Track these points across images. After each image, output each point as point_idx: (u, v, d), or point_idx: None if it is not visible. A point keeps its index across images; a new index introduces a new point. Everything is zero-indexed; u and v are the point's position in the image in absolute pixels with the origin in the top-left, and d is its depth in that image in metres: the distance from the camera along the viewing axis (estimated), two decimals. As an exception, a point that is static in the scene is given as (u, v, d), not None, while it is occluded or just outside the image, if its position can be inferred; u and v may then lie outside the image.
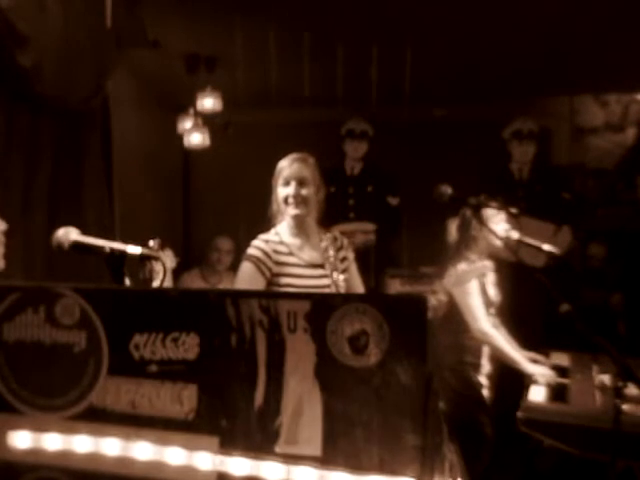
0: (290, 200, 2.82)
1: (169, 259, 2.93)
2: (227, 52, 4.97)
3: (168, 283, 2.83)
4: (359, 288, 3.01)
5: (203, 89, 5.31)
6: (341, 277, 2.89)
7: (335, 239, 2.96)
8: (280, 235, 2.87)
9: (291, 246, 2.86)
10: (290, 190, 2.82)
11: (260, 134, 6.09)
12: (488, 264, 3.58)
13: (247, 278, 2.81)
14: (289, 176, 2.83)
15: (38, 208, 3.52)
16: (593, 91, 6.11)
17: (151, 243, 2.64)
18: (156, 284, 2.63)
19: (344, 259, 2.94)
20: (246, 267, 2.82)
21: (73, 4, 3.52)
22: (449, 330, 3.53)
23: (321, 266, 2.87)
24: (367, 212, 5.03)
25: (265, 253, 2.81)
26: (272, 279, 2.81)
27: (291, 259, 2.84)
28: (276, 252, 2.82)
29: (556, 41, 4.54)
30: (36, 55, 3.23)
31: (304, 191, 2.82)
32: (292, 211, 2.84)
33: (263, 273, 2.79)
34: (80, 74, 3.62)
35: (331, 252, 2.90)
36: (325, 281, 2.85)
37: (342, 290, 2.86)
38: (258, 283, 2.78)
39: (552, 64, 4.91)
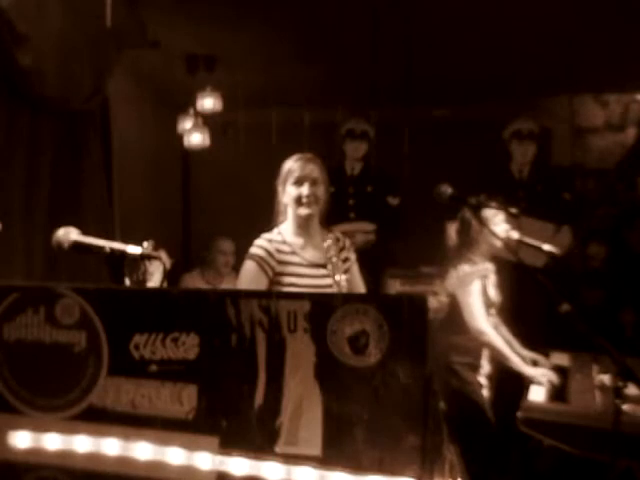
0: (304, 200, 2.81)
1: (163, 260, 2.91)
2: (227, 52, 4.97)
3: (163, 285, 2.82)
4: (361, 289, 3.01)
5: (203, 89, 5.31)
6: (343, 277, 2.89)
7: (338, 240, 2.96)
8: (283, 234, 2.88)
9: (294, 245, 2.86)
10: (305, 190, 2.81)
11: (260, 134, 6.09)
12: (489, 266, 3.58)
13: (250, 277, 2.81)
14: (303, 176, 2.82)
15: (38, 208, 3.52)
16: (593, 91, 6.11)
17: (145, 244, 2.64)
18: (150, 285, 2.62)
19: (346, 260, 2.95)
20: (249, 266, 2.82)
21: (73, 4, 3.52)
22: (449, 331, 3.53)
23: (323, 266, 2.87)
24: (367, 212, 5.03)
25: (268, 252, 2.81)
26: (275, 278, 2.81)
27: (294, 258, 2.84)
28: (279, 251, 2.82)
29: (556, 41, 4.54)
30: (36, 55, 3.23)
31: (317, 191, 2.83)
32: (304, 211, 2.83)
33: (266, 272, 2.80)
34: (80, 74, 3.62)
35: (334, 252, 2.90)
36: (327, 281, 2.85)
37: (344, 291, 2.86)
38: (261, 282, 2.79)
39: (552, 64, 4.91)
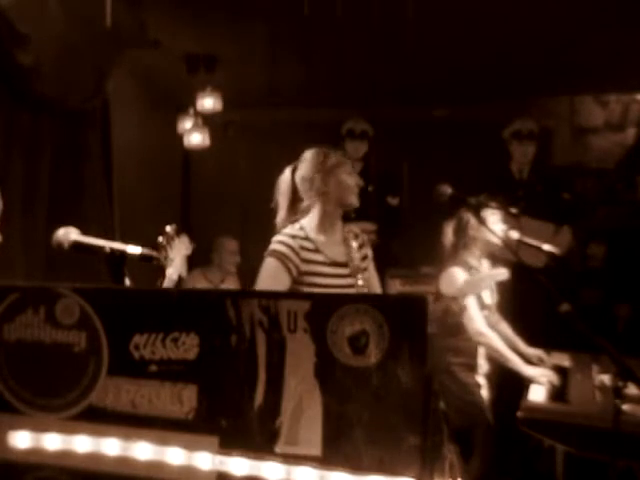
0: (357, 190, 2.74)
1: (184, 245, 2.84)
2: (227, 52, 4.97)
3: (183, 270, 2.76)
4: (377, 287, 2.87)
5: (203, 89, 5.31)
6: (364, 276, 2.75)
7: (357, 236, 2.81)
8: (305, 230, 2.68)
9: (317, 242, 2.67)
10: (357, 180, 2.76)
11: (260, 134, 6.09)
12: (485, 268, 3.59)
13: (271, 276, 2.60)
14: (350, 167, 2.79)
15: (38, 208, 3.52)
16: (593, 91, 6.11)
17: (168, 228, 2.63)
18: (170, 270, 2.59)
19: (365, 257, 2.80)
20: (270, 264, 2.61)
21: (73, 4, 3.53)
22: (446, 332, 3.54)
23: (344, 265, 2.69)
24: (367, 212, 5.03)
25: (292, 249, 2.61)
26: (299, 278, 2.61)
27: (317, 257, 2.66)
28: (303, 248, 2.63)
29: (556, 41, 4.54)
30: (36, 55, 3.24)
31: None
32: (357, 200, 2.74)
33: (289, 270, 2.59)
34: (80, 74, 3.63)
35: (355, 250, 2.75)
36: (349, 280, 2.68)
37: (365, 290, 2.70)
38: (283, 281, 2.59)
39: (552, 64, 4.91)
